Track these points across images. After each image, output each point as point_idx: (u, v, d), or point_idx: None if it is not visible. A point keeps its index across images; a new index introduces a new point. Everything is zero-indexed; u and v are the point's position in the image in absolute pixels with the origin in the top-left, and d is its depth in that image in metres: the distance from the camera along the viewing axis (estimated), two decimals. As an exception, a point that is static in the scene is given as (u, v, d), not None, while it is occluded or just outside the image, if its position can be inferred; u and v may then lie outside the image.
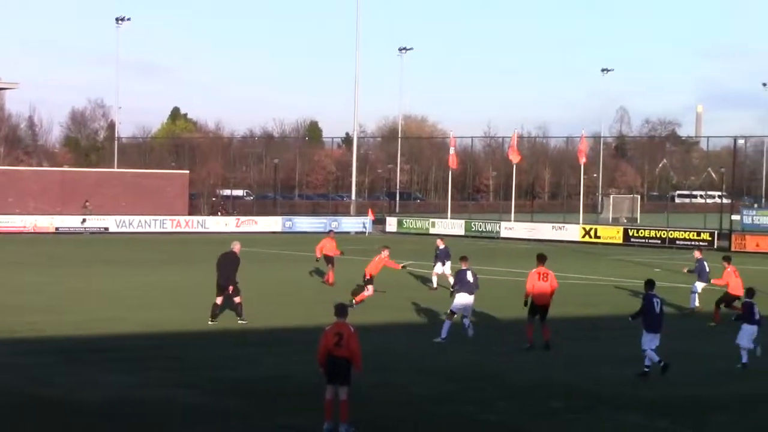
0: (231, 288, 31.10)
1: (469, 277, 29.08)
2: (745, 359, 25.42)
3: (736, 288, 33.43)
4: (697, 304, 36.70)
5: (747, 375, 24.58)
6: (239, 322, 31.12)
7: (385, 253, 37.00)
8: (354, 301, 35.04)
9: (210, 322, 30.92)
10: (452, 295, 29.61)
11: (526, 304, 27.73)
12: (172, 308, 34.63)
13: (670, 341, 28.82)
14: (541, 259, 28.10)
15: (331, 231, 48.65)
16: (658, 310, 24.07)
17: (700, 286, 37.05)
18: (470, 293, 28.94)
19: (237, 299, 31.44)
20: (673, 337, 29.56)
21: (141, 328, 29.92)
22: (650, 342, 23.99)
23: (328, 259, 43.20)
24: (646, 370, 23.96)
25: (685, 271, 38.72)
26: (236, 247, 31.86)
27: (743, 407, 20.97)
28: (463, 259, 30.27)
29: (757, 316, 25.78)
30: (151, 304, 35.81)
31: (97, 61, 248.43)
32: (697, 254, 38.92)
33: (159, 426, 18.62)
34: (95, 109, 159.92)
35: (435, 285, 42.22)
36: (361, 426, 18.20)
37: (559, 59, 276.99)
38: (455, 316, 28.91)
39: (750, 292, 26.76)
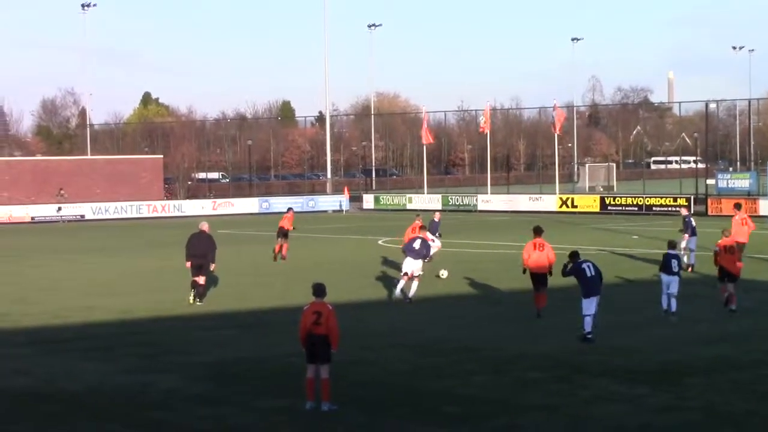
0: (213, 266, 31.55)
1: (416, 245, 31.74)
2: (665, 305, 27.34)
3: (740, 234, 34.25)
4: (693, 260, 37.45)
5: (722, 338, 24.59)
6: (198, 303, 31.25)
7: (418, 221, 37.65)
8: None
9: (198, 303, 31.15)
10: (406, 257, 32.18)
11: (524, 272, 28.71)
12: (148, 294, 34.44)
13: (650, 306, 28.91)
14: (537, 231, 28.74)
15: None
16: (590, 273, 24.42)
17: (693, 241, 37.89)
18: (416, 258, 31.59)
19: (203, 281, 31.55)
20: (654, 301, 29.60)
21: (117, 315, 29.72)
22: (589, 307, 24.24)
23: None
24: (589, 336, 24.10)
25: (680, 231, 38.97)
26: (206, 226, 32.10)
27: (720, 369, 20.95)
28: (422, 227, 34.83)
29: (675, 269, 27.18)
30: (127, 290, 35.60)
31: (65, 49, 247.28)
32: (683, 211, 40.92)
33: (137, 412, 18.47)
34: (66, 97, 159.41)
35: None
36: (343, 404, 18.11)
37: (529, 30, 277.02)
38: (407, 276, 31.66)
39: (671, 244, 28.26)
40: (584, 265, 24.50)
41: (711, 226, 59.28)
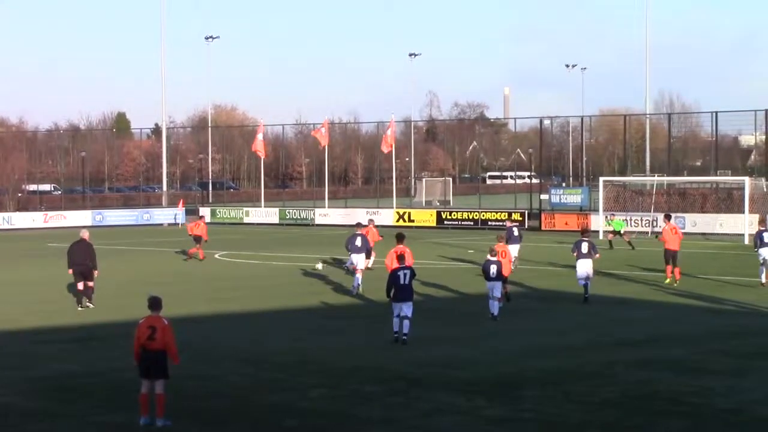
0: (96, 272, 32.81)
1: (357, 242, 36.59)
2: (492, 310, 29.44)
3: (671, 243, 37.75)
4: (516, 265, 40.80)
5: (556, 350, 25.01)
6: (89, 306, 32.33)
7: (371, 224, 42.62)
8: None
9: (90, 306, 32.17)
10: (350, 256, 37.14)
11: None
12: (-22, 308, 33.52)
13: (484, 318, 29.31)
14: (400, 238, 30.96)
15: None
16: (403, 282, 25.81)
17: (515, 249, 41.50)
18: (358, 253, 36.39)
19: (91, 284, 32.59)
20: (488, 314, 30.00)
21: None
22: (397, 309, 25.72)
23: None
24: (396, 335, 25.76)
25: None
26: (86, 234, 33.52)
27: (554, 381, 21.29)
28: (357, 225, 39.64)
29: (494, 274, 29.27)
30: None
31: None
32: (507, 223, 46.72)
33: (-34, 430, 17.95)
34: None
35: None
36: (180, 419, 17.89)
37: (367, 44, 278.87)
38: (359, 270, 36.24)
39: (492, 251, 30.05)
40: (400, 273, 25.95)
41: (545, 240, 60.52)
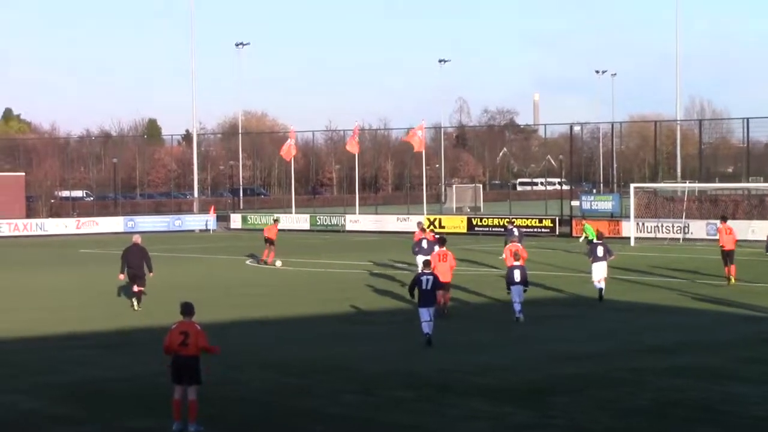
0: (152, 274, 34.40)
1: (424, 244, 36.76)
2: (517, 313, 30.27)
3: (725, 243, 39.80)
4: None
5: (584, 357, 24.92)
6: (137, 309, 33.56)
7: (429, 232, 41.98)
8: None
9: (137, 309, 33.61)
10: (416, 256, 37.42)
11: None
12: (10, 313, 33.71)
13: (513, 325, 29.30)
14: (442, 242, 33.29)
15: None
16: (425, 287, 26.47)
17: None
18: (426, 255, 34.58)
19: (136, 289, 33.83)
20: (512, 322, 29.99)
21: (-22, 335, 29.04)
22: (424, 315, 26.41)
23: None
24: (427, 335, 26.33)
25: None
26: (138, 239, 34.96)
27: (582, 387, 21.24)
28: (422, 230, 41.19)
29: (517, 279, 30.21)
30: (-11, 309, 34.80)
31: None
32: (509, 226, 50.43)
33: (-3, 434, 18.07)
34: None
35: None
36: (210, 424, 17.95)
37: (397, 51, 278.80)
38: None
39: (516, 257, 31.25)
40: (423, 278, 26.67)
41: (576, 247, 60.35)
